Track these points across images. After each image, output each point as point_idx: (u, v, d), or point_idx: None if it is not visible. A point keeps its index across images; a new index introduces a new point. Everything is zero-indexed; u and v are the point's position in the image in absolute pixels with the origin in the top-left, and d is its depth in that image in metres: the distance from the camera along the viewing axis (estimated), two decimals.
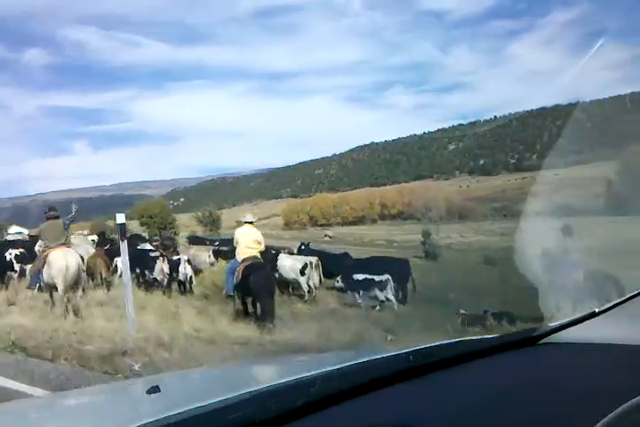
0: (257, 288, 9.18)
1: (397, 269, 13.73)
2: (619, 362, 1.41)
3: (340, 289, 13.81)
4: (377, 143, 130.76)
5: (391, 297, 12.96)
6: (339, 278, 13.94)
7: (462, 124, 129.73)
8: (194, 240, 18.42)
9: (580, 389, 1.24)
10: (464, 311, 11.03)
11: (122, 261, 6.40)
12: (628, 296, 1.60)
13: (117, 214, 6.50)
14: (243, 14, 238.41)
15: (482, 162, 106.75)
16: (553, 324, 1.71)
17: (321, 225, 73.57)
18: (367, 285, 13.21)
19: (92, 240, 18.13)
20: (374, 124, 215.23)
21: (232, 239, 21.81)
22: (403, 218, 79.19)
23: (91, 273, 12.39)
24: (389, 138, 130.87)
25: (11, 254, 13.17)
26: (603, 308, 1.63)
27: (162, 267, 13.08)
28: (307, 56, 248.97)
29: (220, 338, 7.00)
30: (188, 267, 13.50)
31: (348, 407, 1.19)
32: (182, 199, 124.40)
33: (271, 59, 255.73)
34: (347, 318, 10.44)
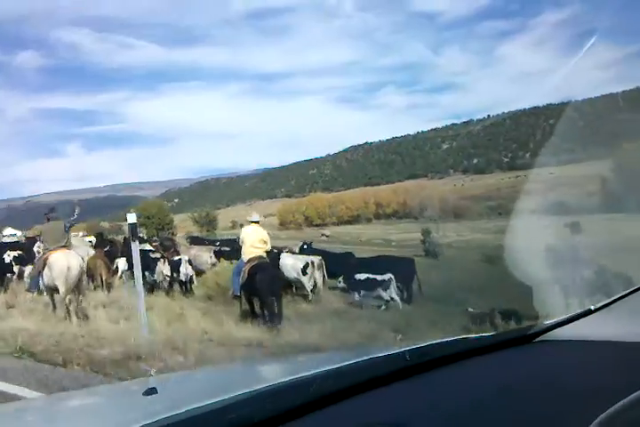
0: (263, 288, 9.00)
1: (402, 268, 13.59)
2: (615, 359, 1.40)
3: (342, 289, 13.66)
4: (371, 143, 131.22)
5: (395, 296, 12.83)
6: (341, 278, 13.79)
7: (455, 124, 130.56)
8: (194, 240, 18.19)
9: (576, 386, 1.24)
10: (472, 309, 10.89)
11: (134, 263, 6.22)
12: (623, 294, 1.60)
13: (128, 214, 6.32)
14: (236, 16, 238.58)
15: (475, 161, 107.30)
16: (549, 321, 1.72)
17: (316, 225, 73.53)
18: (370, 284, 13.08)
19: (90, 241, 17.95)
20: (367, 124, 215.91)
21: (233, 239, 21.81)
22: (398, 217, 79.45)
23: (91, 275, 12.20)
24: (383, 138, 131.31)
25: (9, 256, 12.93)
26: (598, 305, 1.63)
27: (162, 269, 12.91)
28: (299, 57, 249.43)
29: (230, 340, 6.82)
30: (189, 267, 13.32)
31: (345, 407, 1.19)
32: (176, 200, 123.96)
33: (264, 60, 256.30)
34: (353, 318, 10.28)
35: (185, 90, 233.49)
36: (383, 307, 12.24)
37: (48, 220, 9.58)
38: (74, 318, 8.45)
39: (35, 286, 9.26)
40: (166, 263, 12.95)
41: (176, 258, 13.60)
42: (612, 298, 1.62)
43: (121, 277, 13.91)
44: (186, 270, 13.09)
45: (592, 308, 1.63)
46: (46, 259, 8.99)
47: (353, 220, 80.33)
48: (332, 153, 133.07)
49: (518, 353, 1.64)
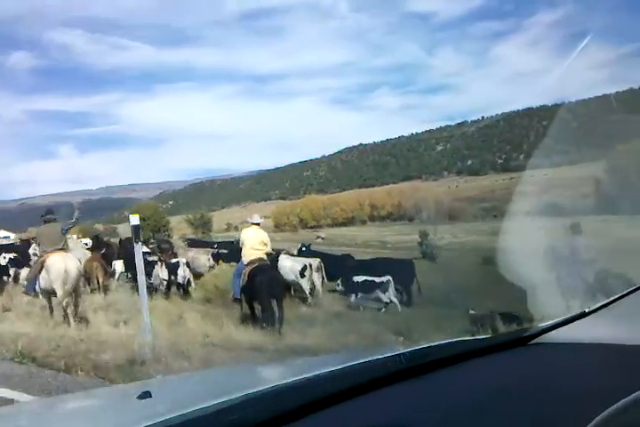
0: (264, 291, 8.91)
1: (402, 270, 13.52)
2: (609, 362, 1.41)
3: (341, 292, 13.57)
4: (365, 145, 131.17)
5: (394, 299, 12.76)
6: (339, 281, 13.71)
7: (449, 125, 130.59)
8: (192, 243, 18.06)
9: (571, 389, 1.24)
10: (473, 311, 10.82)
11: (137, 266, 6.10)
12: (617, 296, 1.60)
13: (131, 216, 6.20)
14: (229, 17, 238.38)
15: (470, 162, 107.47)
16: (543, 324, 1.72)
17: (311, 227, 73.40)
18: (368, 286, 13.01)
19: (85, 244, 17.78)
20: (361, 125, 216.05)
21: (231, 242, 21.69)
22: (392, 219, 79.40)
23: (87, 277, 12.06)
24: (377, 139, 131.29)
25: (5, 258, 12.76)
26: (593, 308, 1.64)
27: (159, 272, 12.80)
28: (293, 58, 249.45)
29: (232, 344, 6.73)
30: (187, 270, 13.21)
31: (343, 409, 1.18)
32: (171, 202, 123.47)
33: (257, 61, 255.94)
34: (355, 321, 10.22)
35: (178, 91, 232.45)
36: (383, 309, 12.16)
37: (45, 222, 9.44)
38: (72, 322, 8.33)
39: (32, 288, 9.11)
40: (164, 266, 12.84)
41: (173, 261, 13.49)
42: (607, 300, 1.63)
43: (118, 279, 13.78)
44: (184, 273, 12.99)
45: (586, 310, 1.64)
46: (43, 262, 8.86)
47: (348, 222, 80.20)
48: (326, 155, 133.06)
49: (514, 356, 1.64)
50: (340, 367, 1.39)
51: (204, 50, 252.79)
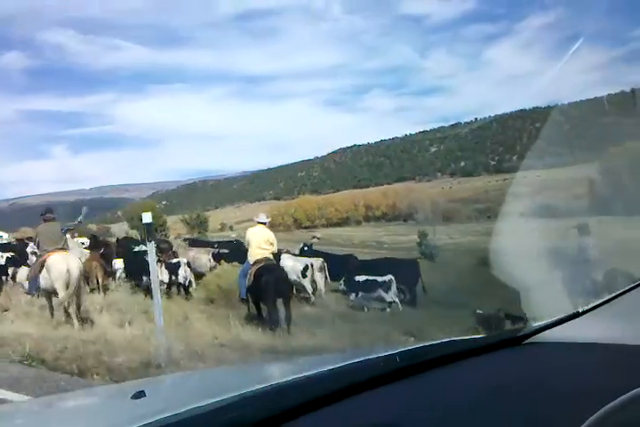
0: (271, 291, 8.76)
1: (406, 270, 13.40)
2: (603, 361, 1.42)
3: (344, 291, 13.44)
4: (359, 146, 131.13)
5: (395, 298, 12.65)
6: (342, 281, 13.58)
7: (443, 127, 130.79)
8: (192, 242, 17.85)
9: (565, 388, 1.23)
10: (480, 311, 10.73)
11: (150, 266, 5.91)
12: (611, 296, 1.60)
13: (144, 213, 6.00)
14: (222, 18, 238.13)
15: (463, 164, 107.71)
16: (537, 324, 1.72)
17: (306, 227, 73.15)
18: (370, 286, 12.90)
19: (82, 243, 17.54)
20: (355, 126, 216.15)
21: (231, 241, 21.49)
22: (387, 219, 79.43)
23: (87, 277, 11.82)
24: (371, 140, 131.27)
25: (2, 258, 12.50)
26: (586, 307, 1.64)
27: (159, 272, 12.57)
28: (286, 60, 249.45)
29: (242, 345, 6.57)
30: (188, 270, 13.01)
31: (339, 408, 1.18)
32: (164, 202, 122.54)
33: (251, 62, 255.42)
34: (360, 321, 10.10)
35: (172, 92, 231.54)
36: (388, 310, 12.02)
37: (44, 221, 9.23)
38: (75, 322, 8.15)
39: (34, 288, 8.92)
40: (163, 266, 12.62)
41: (174, 261, 13.27)
42: (601, 300, 1.63)
43: (118, 279, 13.56)
44: (185, 273, 12.78)
45: (580, 310, 1.64)
46: (44, 261, 8.66)
47: (342, 222, 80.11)
48: (320, 155, 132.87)
49: (508, 355, 1.65)
50: (337, 366, 1.40)
51: (197, 51, 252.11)
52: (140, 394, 1.29)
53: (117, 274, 13.64)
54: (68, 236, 9.72)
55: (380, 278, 12.95)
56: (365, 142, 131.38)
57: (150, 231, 5.79)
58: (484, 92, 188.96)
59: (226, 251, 15.11)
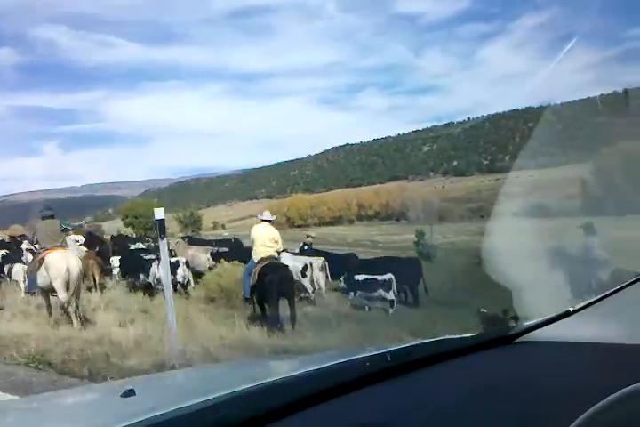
0: (275, 290, 8.59)
1: (408, 269, 13.26)
2: (593, 360, 1.42)
3: (344, 290, 13.31)
4: (352, 144, 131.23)
5: (394, 297, 12.54)
6: (342, 279, 13.46)
7: (436, 126, 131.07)
8: (191, 241, 17.64)
9: (555, 387, 1.23)
10: (484, 310, 10.65)
11: (162, 264, 5.71)
12: (601, 295, 1.61)
13: (156, 209, 5.80)
14: (216, 15, 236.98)
15: (455, 163, 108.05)
16: (528, 323, 1.73)
17: (298, 226, 72.97)
18: (370, 285, 12.78)
19: (76, 240, 17.27)
20: (348, 125, 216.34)
21: (229, 239, 21.24)
22: (380, 218, 79.57)
23: (83, 276, 11.60)
24: (364, 139, 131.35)
25: None
26: (577, 307, 1.65)
27: (155, 271, 12.39)
28: (280, 58, 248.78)
29: (250, 346, 6.39)
30: (187, 269, 12.79)
31: (329, 407, 1.18)
32: (156, 200, 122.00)
33: (245, 60, 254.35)
34: (365, 320, 9.96)
35: (164, 89, 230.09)
36: (391, 310, 11.89)
37: (42, 218, 9.00)
38: (75, 322, 7.94)
39: (33, 286, 8.68)
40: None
41: (172, 259, 13.04)
42: (591, 300, 1.63)
43: (116, 277, 13.34)
44: (183, 272, 12.54)
45: (571, 309, 1.64)
46: (42, 259, 8.43)
47: (335, 221, 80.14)
48: (312, 154, 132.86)
49: (498, 354, 1.65)
50: (326, 365, 1.39)
51: (191, 48, 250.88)
52: (129, 392, 1.28)
53: (114, 272, 13.40)
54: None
55: (379, 277, 12.83)
56: (358, 141, 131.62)
57: (163, 228, 5.58)
58: (477, 91, 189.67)
59: (225, 249, 14.90)
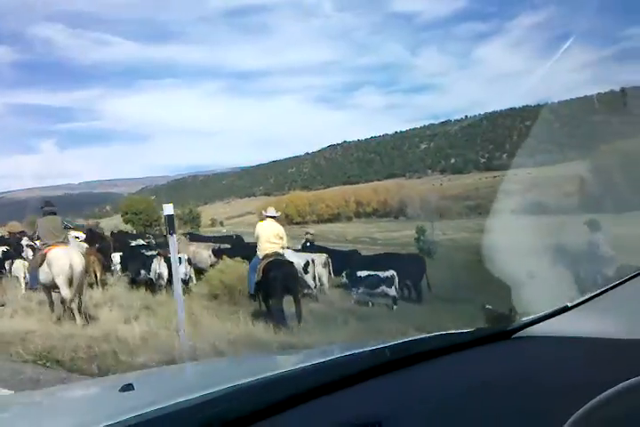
0: (280, 286, 8.54)
1: (411, 265, 13.23)
2: (591, 355, 1.42)
3: (347, 287, 13.27)
4: (349, 142, 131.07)
5: (395, 293, 12.50)
6: (344, 275, 13.41)
7: (433, 124, 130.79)
8: (192, 237, 17.56)
9: (553, 382, 1.23)
10: (489, 306, 10.62)
11: (172, 261, 5.61)
12: (600, 290, 1.61)
13: (165, 205, 5.68)
14: (213, 13, 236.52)
15: (453, 161, 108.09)
16: (527, 318, 1.72)
17: (297, 223, 72.92)
18: (372, 281, 12.75)
19: (76, 237, 17.19)
20: (346, 123, 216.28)
21: (230, 236, 21.18)
22: (378, 216, 79.56)
23: (85, 272, 11.52)
24: (362, 137, 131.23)
25: None
26: (575, 302, 1.64)
27: (157, 267, 12.32)
28: (277, 56, 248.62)
29: (257, 342, 6.32)
30: (189, 266, 12.72)
31: (326, 402, 1.18)
32: (153, 197, 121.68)
33: (242, 58, 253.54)
34: (369, 317, 9.89)
35: (161, 87, 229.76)
36: (395, 307, 11.84)
37: (44, 214, 8.93)
38: (78, 319, 7.87)
39: (35, 282, 8.61)
40: (162, 261, 12.34)
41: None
42: (590, 295, 1.63)
43: (118, 273, 13.27)
44: (185, 269, 12.47)
45: (569, 304, 1.64)
46: (44, 255, 8.35)
47: (333, 218, 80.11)
48: (310, 152, 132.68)
49: (497, 349, 1.65)
50: (324, 360, 1.41)
51: (188, 46, 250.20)
52: (128, 387, 1.28)
53: (116, 268, 13.32)
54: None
55: (382, 274, 12.81)
56: (356, 139, 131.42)
57: (172, 224, 5.47)
58: (474, 90, 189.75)
59: (227, 246, 14.83)
